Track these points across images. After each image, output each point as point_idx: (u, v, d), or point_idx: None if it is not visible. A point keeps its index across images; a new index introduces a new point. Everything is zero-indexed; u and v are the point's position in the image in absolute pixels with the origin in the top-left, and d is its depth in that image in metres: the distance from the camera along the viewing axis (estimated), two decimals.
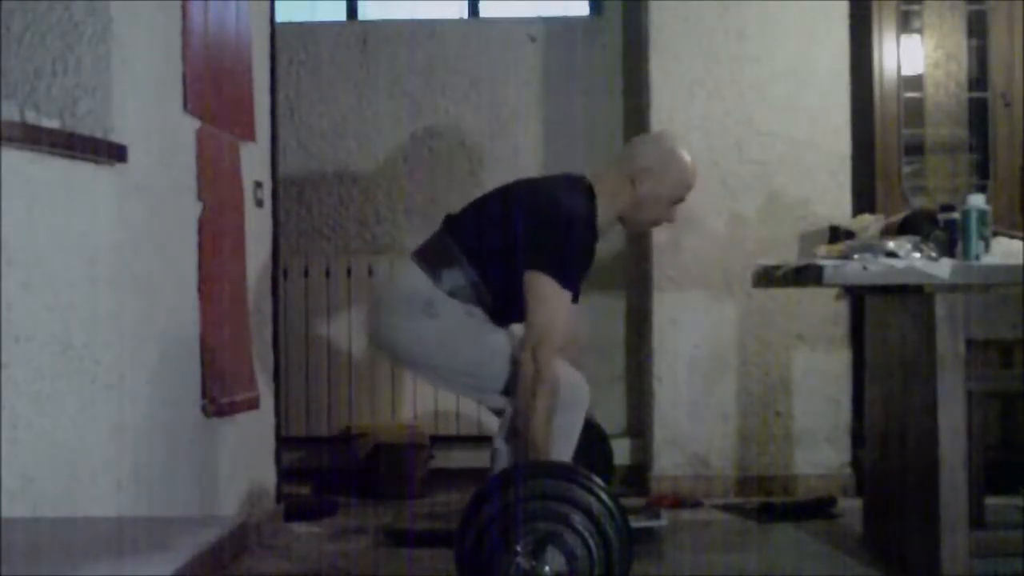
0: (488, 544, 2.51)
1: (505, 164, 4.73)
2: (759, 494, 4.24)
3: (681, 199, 3.06)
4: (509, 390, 2.93)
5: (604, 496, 2.54)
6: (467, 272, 2.90)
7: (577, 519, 2.51)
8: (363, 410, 4.59)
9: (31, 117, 2.32)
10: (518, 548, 2.49)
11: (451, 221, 3.03)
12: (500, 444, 2.99)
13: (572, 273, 2.88)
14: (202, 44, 3.06)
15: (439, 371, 3.00)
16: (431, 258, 2.94)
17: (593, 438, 3.33)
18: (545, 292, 2.82)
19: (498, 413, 3.04)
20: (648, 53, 4.40)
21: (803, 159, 4.35)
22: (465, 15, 4.96)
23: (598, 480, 2.59)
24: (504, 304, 2.91)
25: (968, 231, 2.98)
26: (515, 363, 2.88)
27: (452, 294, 2.89)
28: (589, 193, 2.97)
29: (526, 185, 3.06)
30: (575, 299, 2.95)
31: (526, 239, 2.85)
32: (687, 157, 3.03)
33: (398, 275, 3.09)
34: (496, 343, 2.94)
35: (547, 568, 2.49)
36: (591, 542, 2.51)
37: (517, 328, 2.99)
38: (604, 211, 2.98)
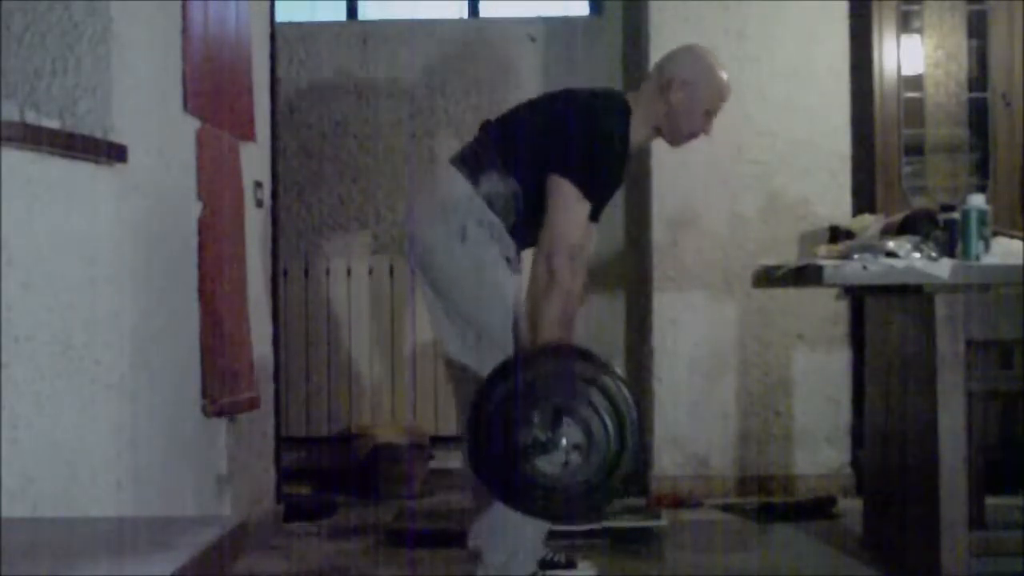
0: (504, 420, 2.48)
1: None
2: (759, 494, 4.24)
3: (715, 110, 3.01)
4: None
5: (617, 375, 2.54)
6: (504, 177, 2.87)
7: (592, 394, 2.48)
8: (363, 410, 4.60)
9: (31, 117, 2.32)
10: (534, 419, 2.45)
11: (489, 126, 3.01)
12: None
13: (596, 184, 2.86)
14: (202, 44, 3.06)
15: (455, 307, 2.87)
16: (470, 161, 2.91)
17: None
18: (566, 198, 2.80)
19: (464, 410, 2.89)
20: (648, 53, 4.39)
21: (803, 159, 4.35)
22: (465, 15, 4.97)
23: (610, 362, 2.57)
24: (533, 215, 2.87)
25: (968, 231, 2.98)
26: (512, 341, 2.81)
27: (489, 200, 2.85)
28: (625, 111, 2.96)
29: (566, 96, 3.03)
30: (595, 217, 2.93)
31: (558, 147, 2.84)
32: (719, 68, 3.00)
33: (437, 181, 3.05)
34: (506, 301, 2.84)
35: (564, 440, 2.45)
36: (606, 416, 2.48)
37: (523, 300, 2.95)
38: (638, 127, 2.97)
